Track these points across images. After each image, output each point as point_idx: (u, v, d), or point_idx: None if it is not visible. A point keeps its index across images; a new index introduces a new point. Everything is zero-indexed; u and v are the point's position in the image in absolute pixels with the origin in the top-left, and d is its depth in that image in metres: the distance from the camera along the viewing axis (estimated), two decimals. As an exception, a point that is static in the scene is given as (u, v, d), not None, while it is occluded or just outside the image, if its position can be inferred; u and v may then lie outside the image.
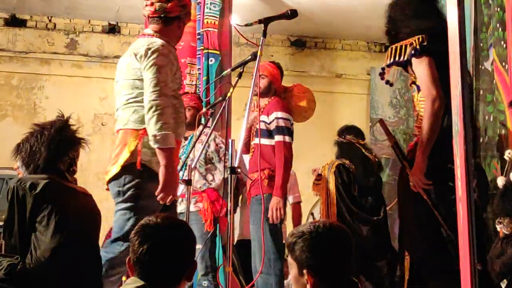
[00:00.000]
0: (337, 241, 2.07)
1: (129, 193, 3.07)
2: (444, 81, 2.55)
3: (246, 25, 3.12)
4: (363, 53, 8.42)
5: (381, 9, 7.55)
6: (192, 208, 4.27)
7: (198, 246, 4.23)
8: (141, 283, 1.95)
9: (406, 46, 2.86)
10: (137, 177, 3.06)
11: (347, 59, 8.26)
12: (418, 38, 2.84)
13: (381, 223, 4.76)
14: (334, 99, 8.31)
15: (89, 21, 7.75)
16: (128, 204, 3.07)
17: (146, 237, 1.98)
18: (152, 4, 3.24)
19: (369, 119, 8.01)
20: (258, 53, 3.00)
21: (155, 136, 2.97)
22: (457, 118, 1.96)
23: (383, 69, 3.05)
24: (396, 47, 2.91)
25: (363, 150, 4.87)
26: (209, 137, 3.97)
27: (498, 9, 4.76)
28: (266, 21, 3.06)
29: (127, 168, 3.06)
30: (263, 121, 4.19)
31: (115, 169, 3.07)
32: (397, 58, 2.86)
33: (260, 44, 3.00)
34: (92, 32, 7.78)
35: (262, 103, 4.25)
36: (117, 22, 7.80)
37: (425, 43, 2.83)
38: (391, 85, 3.20)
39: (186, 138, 4.60)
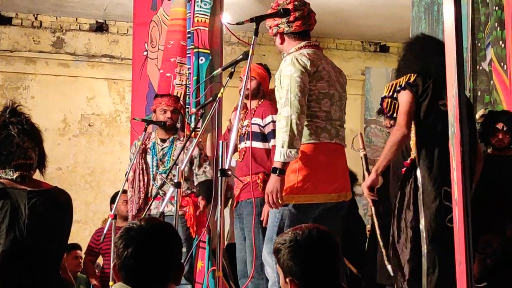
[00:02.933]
0: (320, 248, 2.06)
1: None
2: (423, 111, 3.27)
3: (238, 23, 3.06)
4: (357, 53, 8.37)
5: (376, 8, 7.44)
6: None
7: (183, 250, 4.21)
8: None
9: (397, 83, 3.37)
10: None
11: (341, 59, 8.16)
12: (405, 77, 3.32)
13: None
14: (327, 99, 8.23)
15: (76, 19, 7.66)
16: None
17: (130, 240, 1.92)
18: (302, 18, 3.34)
19: (363, 120, 7.92)
20: (250, 52, 2.95)
21: None
22: (453, 119, 1.91)
23: (382, 100, 3.49)
24: (393, 83, 3.40)
25: None
26: (198, 139, 3.89)
27: (496, 8, 4.70)
28: (258, 20, 3.03)
29: None
30: (257, 124, 4.11)
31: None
32: (389, 94, 3.39)
33: (252, 43, 2.95)
34: (79, 31, 7.69)
35: (252, 106, 4.20)
36: (105, 20, 7.73)
37: (410, 81, 3.30)
38: (382, 113, 3.93)
39: (165, 141, 4.58)
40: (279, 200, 3.10)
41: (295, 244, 2.04)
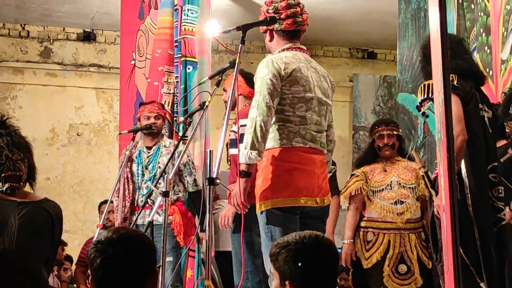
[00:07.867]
0: (322, 255, 2.07)
1: None
2: (466, 117, 3.09)
3: (224, 32, 3.10)
4: (345, 60, 8.38)
5: (363, 15, 7.44)
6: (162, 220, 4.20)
7: (170, 259, 4.21)
8: None
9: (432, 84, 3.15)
10: None
11: (329, 65, 8.17)
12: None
13: None
14: (316, 106, 8.24)
15: (64, 28, 7.66)
16: None
17: (97, 252, 1.94)
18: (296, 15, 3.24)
19: (352, 127, 7.94)
20: (237, 61, 2.99)
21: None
22: (440, 126, 1.91)
23: (420, 103, 3.30)
24: (429, 84, 3.16)
25: None
26: (186, 147, 3.89)
27: (482, 13, 4.72)
28: (244, 28, 3.07)
29: None
30: (233, 131, 4.07)
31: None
32: (430, 95, 3.15)
33: (239, 51, 2.98)
34: (66, 40, 7.68)
35: (233, 116, 4.17)
36: (93, 30, 7.72)
37: (454, 82, 3.07)
38: (427, 116, 3.52)
39: (151, 148, 4.57)
40: (244, 203, 3.06)
41: (295, 247, 2.03)
